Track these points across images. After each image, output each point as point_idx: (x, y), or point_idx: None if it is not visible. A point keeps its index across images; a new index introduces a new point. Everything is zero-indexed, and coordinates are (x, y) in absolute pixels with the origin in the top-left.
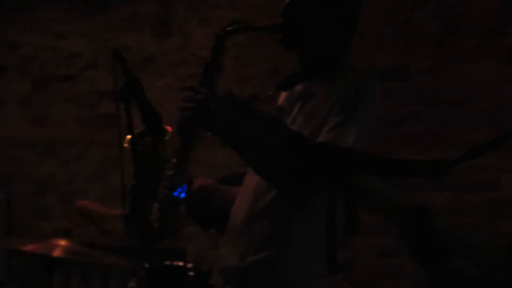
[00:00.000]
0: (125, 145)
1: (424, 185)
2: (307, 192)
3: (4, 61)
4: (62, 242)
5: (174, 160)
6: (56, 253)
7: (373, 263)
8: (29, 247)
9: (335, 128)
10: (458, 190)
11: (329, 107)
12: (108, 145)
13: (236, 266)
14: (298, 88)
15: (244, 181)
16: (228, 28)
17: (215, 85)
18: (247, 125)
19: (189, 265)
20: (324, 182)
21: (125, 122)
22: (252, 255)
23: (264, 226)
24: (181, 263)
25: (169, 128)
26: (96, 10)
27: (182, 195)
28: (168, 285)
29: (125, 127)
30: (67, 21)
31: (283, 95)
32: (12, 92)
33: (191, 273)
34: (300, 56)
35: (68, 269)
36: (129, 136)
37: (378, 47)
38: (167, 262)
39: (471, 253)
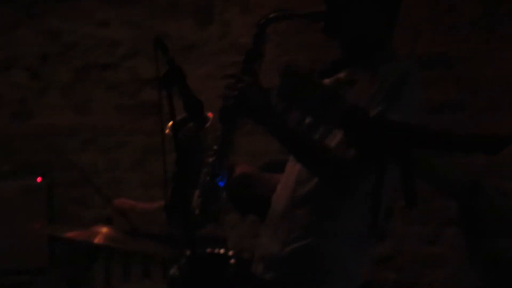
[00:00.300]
0: (167, 132)
1: None
2: (349, 179)
3: (46, 49)
4: (104, 230)
5: (215, 147)
6: (97, 240)
7: (415, 251)
8: (70, 234)
9: (378, 116)
10: None
11: (372, 95)
12: (149, 133)
13: (277, 254)
14: (341, 75)
15: (286, 168)
16: (270, 16)
17: (256, 73)
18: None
19: (230, 253)
20: (369, 165)
21: (167, 110)
22: (293, 243)
23: (306, 214)
24: (222, 251)
25: (210, 115)
26: None
27: (223, 182)
28: (209, 272)
29: (167, 114)
30: (109, 9)
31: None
32: (54, 80)
33: (232, 261)
34: (342, 44)
35: (109, 257)
36: (170, 123)
37: (420, 34)
38: (208, 250)
39: None
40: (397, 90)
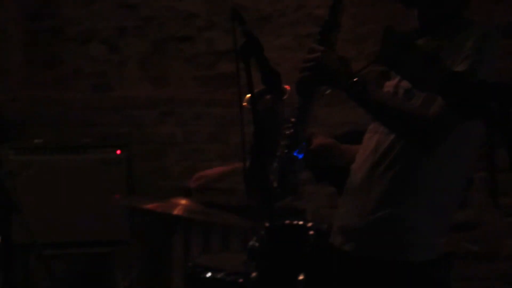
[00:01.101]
0: (245, 104)
1: None
2: (434, 141)
3: (124, 22)
4: (183, 201)
5: (293, 119)
6: (177, 212)
7: (494, 222)
8: (150, 206)
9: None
10: None
11: (451, 61)
12: (227, 104)
13: (356, 225)
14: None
15: (365, 139)
16: None
17: (333, 43)
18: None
19: (309, 224)
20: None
21: (245, 82)
22: (372, 213)
23: (385, 184)
24: (301, 222)
25: (287, 87)
26: None
27: (301, 154)
28: (288, 244)
29: (245, 86)
30: None
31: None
32: (132, 53)
33: (311, 232)
34: (419, 13)
35: (188, 228)
36: (248, 96)
37: (498, 2)
38: (287, 222)
39: None
40: (474, 56)
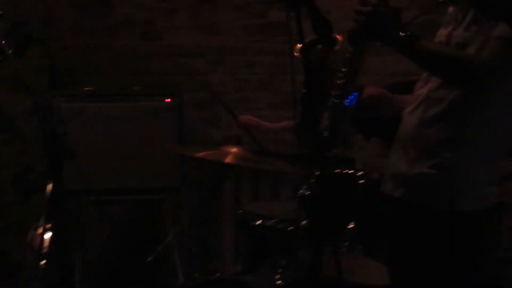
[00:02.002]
0: (296, 54)
1: None
2: (485, 88)
3: None
4: (233, 149)
5: (344, 69)
6: (227, 160)
7: None
8: (201, 154)
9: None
10: None
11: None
12: (278, 53)
13: (407, 172)
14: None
15: (416, 88)
16: None
17: None
18: None
19: (359, 173)
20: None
21: (296, 31)
22: (423, 161)
23: (436, 133)
24: (351, 171)
25: (339, 37)
26: None
27: (352, 103)
28: (339, 193)
29: (296, 35)
30: None
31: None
32: (183, 1)
33: (361, 181)
34: None
35: (238, 176)
36: (299, 45)
37: None
38: (338, 170)
39: None
40: None
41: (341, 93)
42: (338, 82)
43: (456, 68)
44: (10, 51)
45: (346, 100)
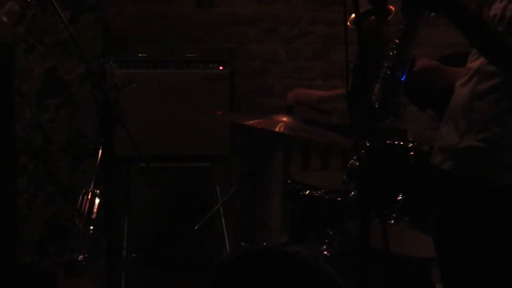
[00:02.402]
0: (349, 24)
1: None
2: None
3: None
4: (284, 119)
5: (397, 41)
6: (278, 129)
7: None
8: (251, 122)
9: None
10: None
11: None
12: (331, 23)
13: (456, 145)
14: None
15: (468, 60)
16: None
17: None
18: None
19: (410, 145)
20: None
21: (350, 1)
22: (473, 134)
23: (487, 106)
24: (401, 143)
25: (392, 7)
26: None
27: (404, 76)
28: (389, 164)
29: (350, 5)
30: None
31: None
32: None
33: (412, 153)
34: None
35: (288, 146)
36: (353, 15)
37: None
38: (388, 142)
39: None
40: None
41: (393, 64)
42: (390, 53)
43: (502, 57)
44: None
45: (397, 72)
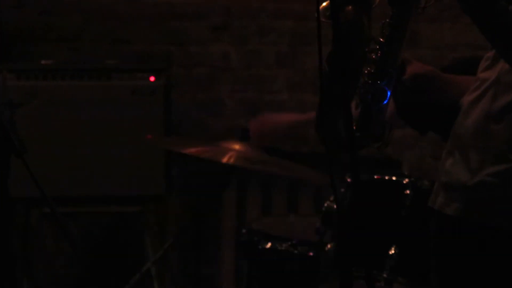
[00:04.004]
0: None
1: None
2: None
3: None
4: (237, 146)
5: (381, 39)
6: (229, 159)
7: None
8: (193, 150)
9: None
10: None
11: None
12: (301, 17)
13: (465, 181)
14: None
15: (479, 69)
16: None
17: None
18: None
19: (405, 180)
20: None
21: None
22: (489, 166)
23: (507, 129)
24: (394, 178)
25: None
26: None
27: (390, 86)
28: (377, 206)
29: None
30: None
31: None
32: None
33: (408, 191)
34: None
35: (243, 182)
36: (326, 4)
37: None
38: (377, 176)
39: None
40: None
41: (376, 70)
42: (372, 56)
43: None
44: None
45: (382, 81)
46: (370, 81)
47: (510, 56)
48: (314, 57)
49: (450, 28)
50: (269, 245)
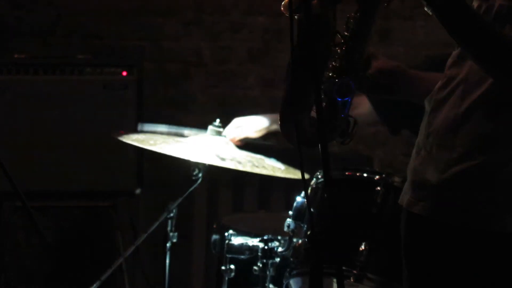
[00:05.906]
0: (282, 9)
1: None
2: None
3: None
4: (208, 142)
5: (346, 33)
6: (199, 156)
7: None
8: (163, 147)
9: None
10: None
11: None
12: (274, 13)
13: (435, 180)
14: None
15: (446, 66)
16: None
17: None
18: None
19: (377, 177)
20: None
21: None
22: (458, 163)
23: (476, 125)
24: (365, 174)
25: None
26: None
27: (355, 81)
28: (348, 203)
29: None
30: None
31: None
32: None
33: (379, 188)
34: None
35: (214, 179)
36: None
37: None
38: (348, 173)
39: None
40: None
41: (341, 65)
42: (337, 50)
43: (497, 51)
44: None
45: (346, 77)
46: (335, 76)
47: (479, 59)
48: (286, 54)
49: (423, 26)
50: (239, 240)
